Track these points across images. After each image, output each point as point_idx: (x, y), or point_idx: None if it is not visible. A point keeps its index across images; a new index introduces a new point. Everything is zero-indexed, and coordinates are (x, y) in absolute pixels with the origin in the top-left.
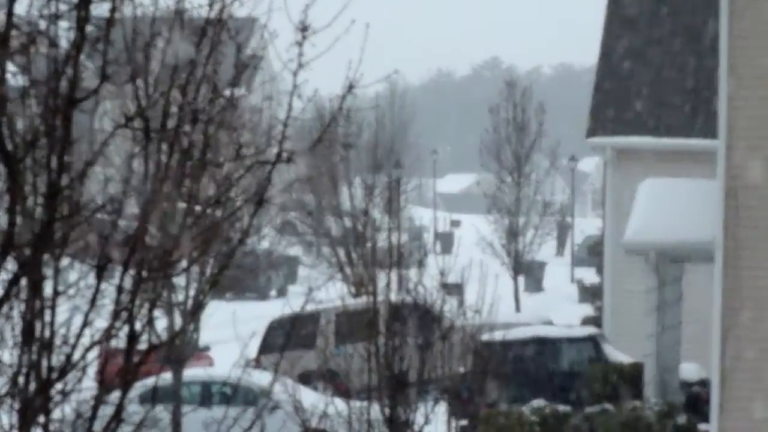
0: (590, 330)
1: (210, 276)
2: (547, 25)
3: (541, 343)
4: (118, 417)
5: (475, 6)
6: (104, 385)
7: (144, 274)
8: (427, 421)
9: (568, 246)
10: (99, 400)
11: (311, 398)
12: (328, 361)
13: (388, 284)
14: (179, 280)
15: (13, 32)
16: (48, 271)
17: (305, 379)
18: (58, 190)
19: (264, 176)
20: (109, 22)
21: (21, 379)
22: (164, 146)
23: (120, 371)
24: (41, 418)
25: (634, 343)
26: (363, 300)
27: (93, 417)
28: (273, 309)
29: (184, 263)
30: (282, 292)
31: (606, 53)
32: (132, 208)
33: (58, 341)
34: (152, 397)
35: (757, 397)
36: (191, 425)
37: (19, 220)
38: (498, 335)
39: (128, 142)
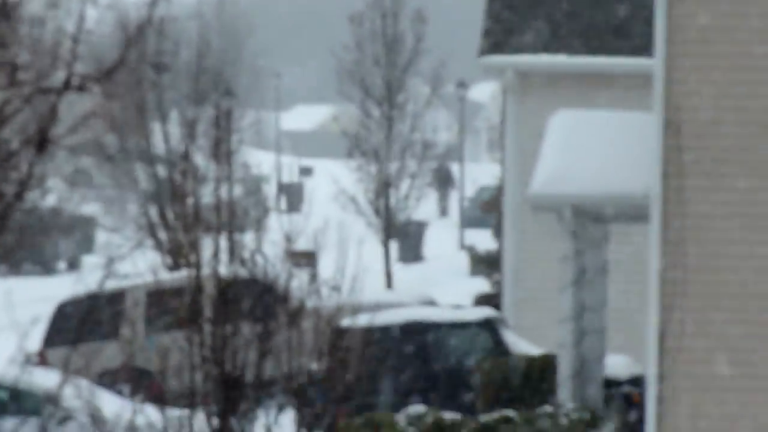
0: (485, 312)
1: None
2: None
3: (421, 329)
4: None
5: None
6: None
7: None
8: None
9: (455, 201)
10: None
11: (114, 405)
12: (137, 355)
13: (215, 253)
14: None
15: None
16: None
17: (106, 379)
18: None
19: (48, 109)
20: None
21: None
22: None
23: None
24: None
25: (544, 328)
26: (182, 274)
27: None
28: (62, 287)
29: None
30: (74, 265)
31: None
32: None
33: None
34: None
35: (705, 400)
36: None
37: None
38: (363, 320)
39: None
